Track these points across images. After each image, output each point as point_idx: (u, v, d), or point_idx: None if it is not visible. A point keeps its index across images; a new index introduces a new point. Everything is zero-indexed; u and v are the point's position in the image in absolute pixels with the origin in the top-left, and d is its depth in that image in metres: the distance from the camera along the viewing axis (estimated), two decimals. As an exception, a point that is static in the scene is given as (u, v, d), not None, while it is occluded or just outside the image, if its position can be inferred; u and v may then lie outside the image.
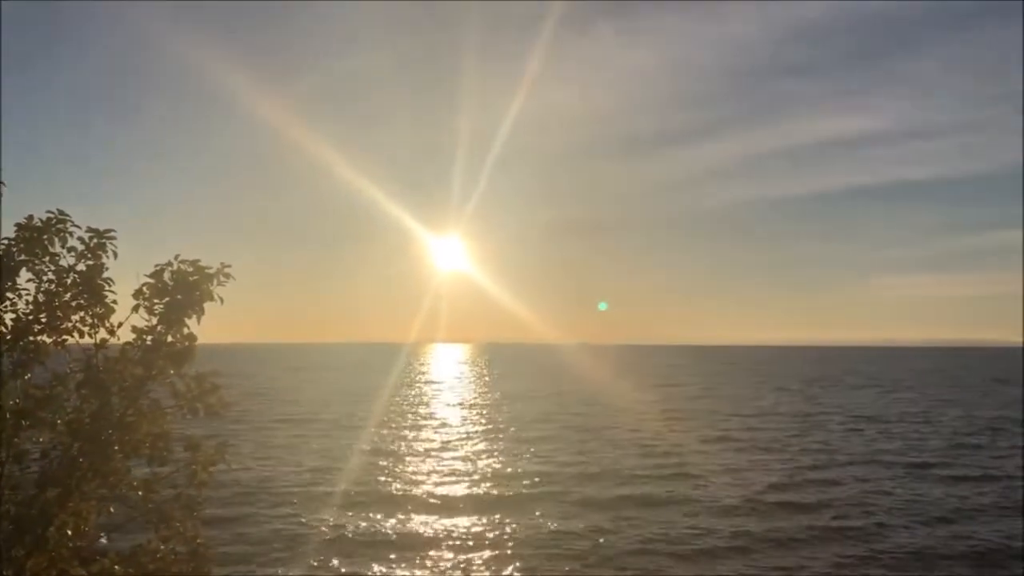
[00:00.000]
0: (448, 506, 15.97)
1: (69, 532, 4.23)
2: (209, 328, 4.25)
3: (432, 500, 16.50)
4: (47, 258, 4.26)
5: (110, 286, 4.32)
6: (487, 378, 67.66)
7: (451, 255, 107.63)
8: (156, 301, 4.23)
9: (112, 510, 4.40)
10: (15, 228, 4.24)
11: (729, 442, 25.66)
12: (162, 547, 4.40)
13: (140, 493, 4.33)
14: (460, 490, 17.59)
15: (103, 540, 4.50)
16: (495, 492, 17.39)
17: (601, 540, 13.57)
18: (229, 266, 4.26)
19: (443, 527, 14.53)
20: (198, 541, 4.40)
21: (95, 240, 4.32)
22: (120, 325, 4.32)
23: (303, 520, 14.69)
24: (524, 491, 17.64)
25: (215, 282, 4.26)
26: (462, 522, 14.94)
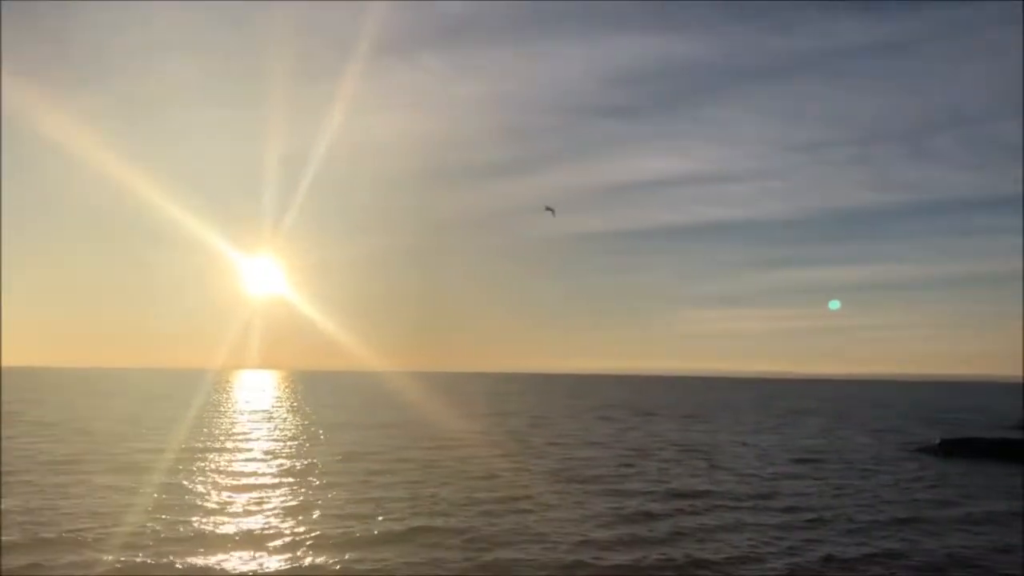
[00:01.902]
0: (245, 546, 12.76)
1: None
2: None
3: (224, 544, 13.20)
4: None
5: None
6: (305, 408, 62.68)
7: (264, 277, 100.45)
8: None
9: None
10: None
11: (559, 473, 24.11)
12: None
13: None
14: (250, 534, 14.36)
15: None
16: (287, 539, 14.31)
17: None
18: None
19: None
20: None
21: None
22: None
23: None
24: (324, 534, 14.88)
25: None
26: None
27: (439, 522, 16.50)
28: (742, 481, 23.74)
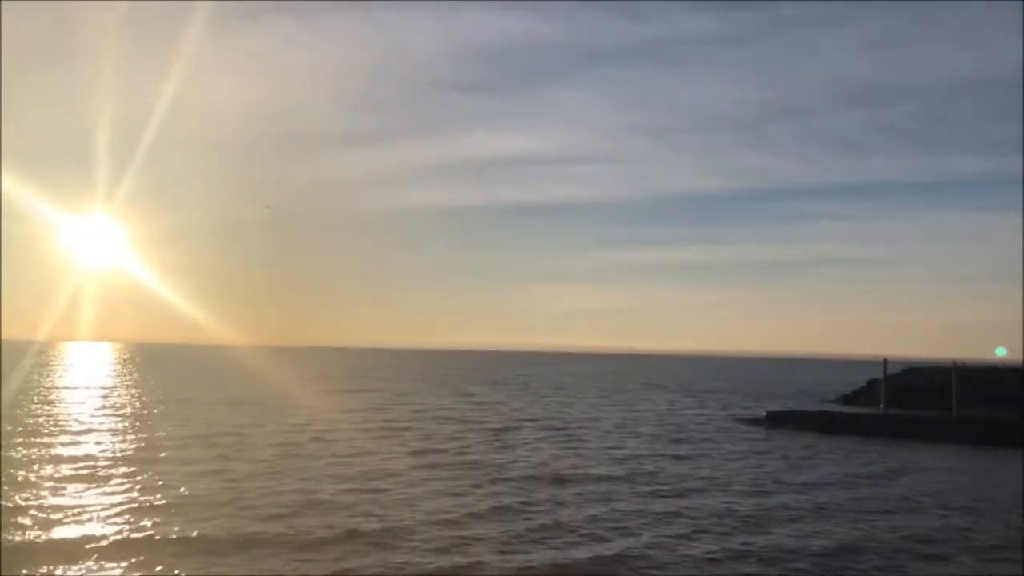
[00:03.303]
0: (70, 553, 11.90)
1: None
2: None
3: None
4: None
5: None
6: (147, 383, 58.94)
7: (98, 245, 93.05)
8: None
9: None
10: None
11: (424, 456, 24.13)
12: None
13: None
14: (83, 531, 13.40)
15: None
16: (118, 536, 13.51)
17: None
18: None
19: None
20: None
21: None
22: None
23: None
24: (147, 531, 13.42)
25: None
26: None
27: (297, 519, 15.09)
28: (600, 455, 24.84)
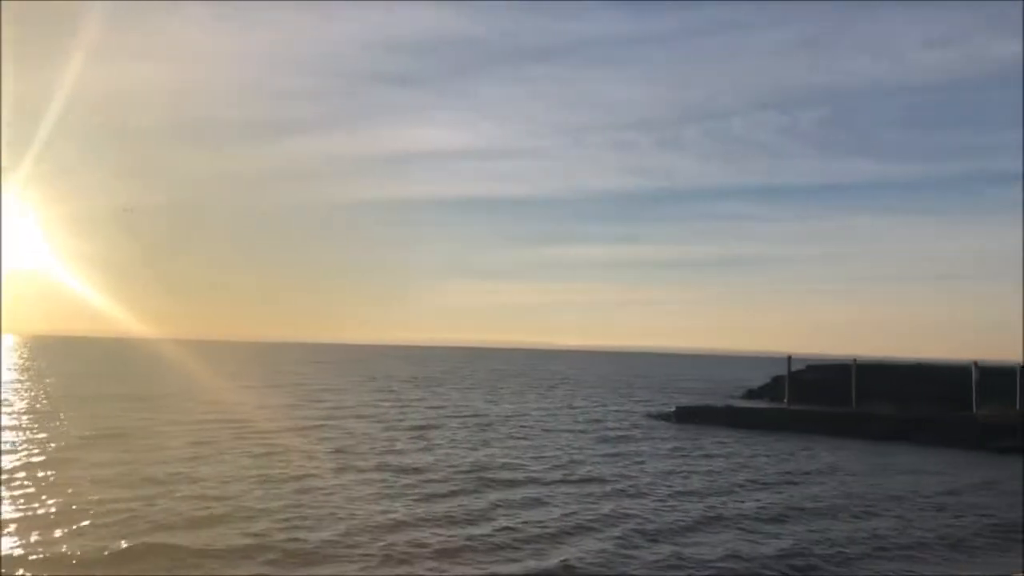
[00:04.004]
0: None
1: None
2: None
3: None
4: None
5: None
6: (51, 378, 56.25)
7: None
8: None
9: None
10: None
11: (346, 456, 23.65)
12: None
13: None
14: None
15: None
16: None
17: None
18: None
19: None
20: None
21: None
22: None
23: None
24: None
25: None
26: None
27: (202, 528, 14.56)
28: (526, 454, 25.19)
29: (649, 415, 40.15)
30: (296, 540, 13.11)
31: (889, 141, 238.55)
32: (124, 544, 12.45)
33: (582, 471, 21.67)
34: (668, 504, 17.61)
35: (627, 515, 16.16)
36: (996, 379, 34.58)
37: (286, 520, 14.55)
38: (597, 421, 36.62)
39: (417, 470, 20.82)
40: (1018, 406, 32.30)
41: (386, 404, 42.01)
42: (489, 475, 20.52)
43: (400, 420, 33.89)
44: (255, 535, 13.36)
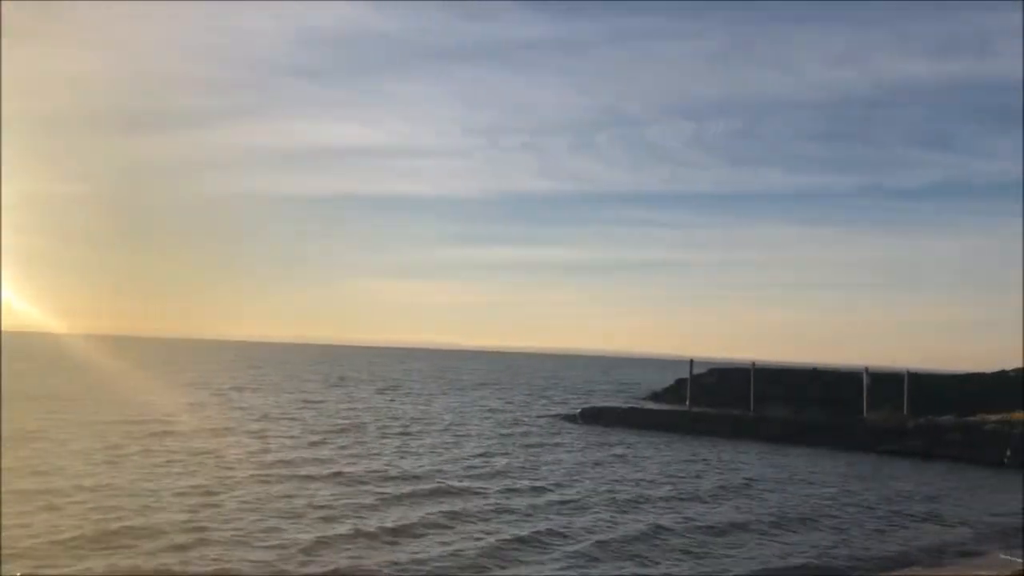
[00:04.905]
0: None
1: None
2: None
3: None
4: None
5: None
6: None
7: None
8: None
9: None
10: None
11: (265, 461, 23.40)
12: None
13: None
14: None
15: None
16: None
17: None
18: None
19: None
20: None
21: None
22: None
23: None
24: None
25: None
26: None
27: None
28: (440, 455, 25.54)
29: (557, 416, 41.48)
30: (210, 558, 12.10)
31: (795, 153, 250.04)
32: (17, 566, 10.95)
33: (512, 473, 22.65)
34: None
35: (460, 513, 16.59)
36: (886, 385, 36.36)
37: (203, 531, 13.55)
38: (509, 421, 37.68)
39: (337, 473, 20.43)
40: (905, 411, 34.29)
41: (300, 405, 41.69)
42: (407, 476, 20.82)
43: (317, 422, 33.68)
44: (163, 551, 12.28)
